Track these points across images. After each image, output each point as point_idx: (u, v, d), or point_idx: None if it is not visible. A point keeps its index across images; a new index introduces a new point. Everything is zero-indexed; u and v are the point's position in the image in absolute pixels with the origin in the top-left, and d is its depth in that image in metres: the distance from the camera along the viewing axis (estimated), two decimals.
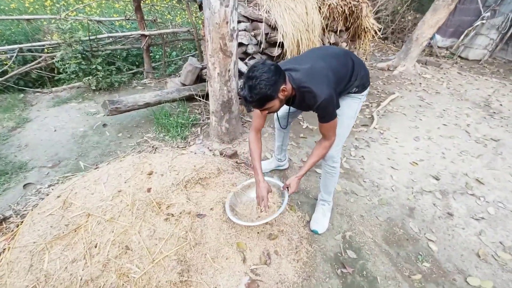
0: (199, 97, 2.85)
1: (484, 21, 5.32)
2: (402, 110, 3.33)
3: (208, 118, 2.73)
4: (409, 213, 1.88)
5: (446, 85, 4.22)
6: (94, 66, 2.99)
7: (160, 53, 4.08)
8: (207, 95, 2.85)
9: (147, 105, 2.61)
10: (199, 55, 3.72)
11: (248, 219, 1.46)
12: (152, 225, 1.29)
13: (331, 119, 1.26)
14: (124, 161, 1.59)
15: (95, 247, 1.17)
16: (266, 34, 2.67)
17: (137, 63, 3.88)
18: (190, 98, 2.93)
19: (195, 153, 2.10)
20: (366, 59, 4.29)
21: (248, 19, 2.68)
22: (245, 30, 2.61)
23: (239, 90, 1.42)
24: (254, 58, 2.76)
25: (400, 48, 4.84)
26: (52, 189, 1.79)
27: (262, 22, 2.60)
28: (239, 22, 2.73)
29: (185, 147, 2.35)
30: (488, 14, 5.32)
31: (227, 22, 1.77)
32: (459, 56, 5.74)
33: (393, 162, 2.39)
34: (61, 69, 3.08)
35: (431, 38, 5.92)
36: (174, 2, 4.73)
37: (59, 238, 1.20)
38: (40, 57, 3.08)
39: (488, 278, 1.48)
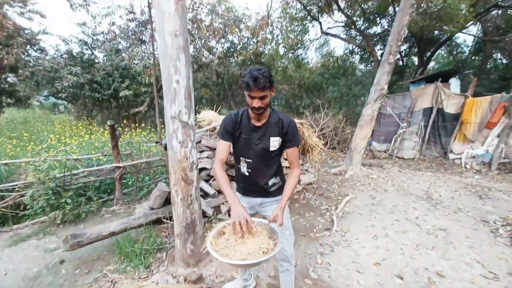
0: (167, 219, 2.95)
1: (404, 130, 6.74)
2: (358, 210, 3.65)
3: (174, 241, 2.74)
4: None
5: (391, 183, 4.84)
6: (63, 200, 3.10)
7: (133, 179, 4.37)
8: None
9: (112, 234, 2.62)
10: (168, 179, 4.05)
11: (231, 253, 1.24)
12: None
13: (297, 143, 1.53)
14: None
15: None
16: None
17: (109, 191, 4.05)
18: (157, 221, 3.00)
19: (157, 284, 2.02)
20: (319, 168, 4.95)
21: (211, 148, 3.22)
22: (207, 157, 3.08)
23: (241, 77, 1.52)
24: None
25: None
26: None
27: None
28: (202, 151, 3.25)
29: (147, 277, 2.25)
30: (405, 124, 6.82)
31: (187, 158, 2.17)
32: (397, 157, 6.84)
33: (358, 265, 2.44)
34: (28, 206, 3.12)
35: (370, 145, 7.15)
36: (151, 136, 5.50)
37: None
38: (10, 195, 3.16)
39: None
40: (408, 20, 4.54)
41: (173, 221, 2.92)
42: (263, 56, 10.66)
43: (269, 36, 10.98)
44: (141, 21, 8.11)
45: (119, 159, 3.72)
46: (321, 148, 4.46)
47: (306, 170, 4.60)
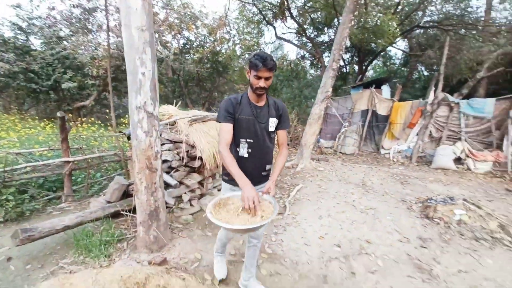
0: (126, 211, 2.95)
1: (346, 129, 7.65)
2: (307, 197, 4.13)
3: (135, 231, 2.78)
4: (323, 280, 2.22)
5: (335, 174, 5.52)
6: (4, 197, 2.84)
7: (83, 176, 4.14)
8: (134, 209, 3.00)
9: (67, 228, 2.54)
10: (125, 174, 3.98)
11: (231, 221, 1.34)
12: None
13: (288, 126, 1.76)
14: (42, 286, 1.53)
15: None
16: (187, 151, 3.28)
17: (54, 189, 3.78)
18: (115, 215, 2.98)
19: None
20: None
21: (171, 141, 3.31)
22: (169, 149, 3.17)
23: (250, 58, 1.53)
24: (178, 170, 3.23)
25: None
26: None
27: (183, 142, 3.25)
28: (163, 144, 3.32)
29: (109, 265, 2.28)
30: (347, 124, 7.75)
31: (151, 147, 2.28)
32: (340, 152, 7.73)
33: (305, 240, 2.85)
34: None
35: (318, 142, 7.91)
36: (101, 131, 5.20)
37: None
38: None
39: None
40: (348, 33, 5.26)
41: (132, 213, 2.96)
42: (220, 55, 10.80)
43: (226, 36, 11.17)
44: (87, 8, 7.51)
45: (68, 153, 3.52)
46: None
47: None
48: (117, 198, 3.13)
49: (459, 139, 6.41)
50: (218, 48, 10.80)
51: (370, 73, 18.05)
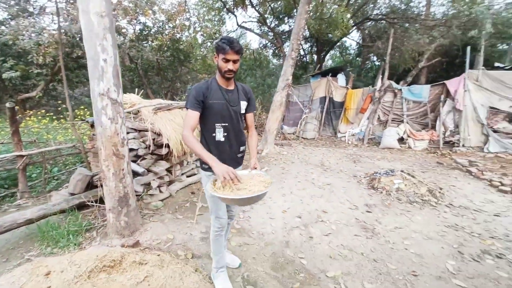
0: (92, 202, 2.93)
1: (306, 115, 8.15)
2: (272, 178, 4.44)
3: (104, 221, 2.80)
4: (285, 245, 2.53)
5: (297, 157, 5.95)
6: None
7: (38, 171, 3.91)
8: (101, 199, 3.00)
9: (29, 221, 2.48)
10: (87, 167, 3.86)
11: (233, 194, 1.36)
12: None
13: (255, 109, 1.92)
14: (16, 270, 1.56)
15: None
16: (154, 139, 3.32)
17: (6, 186, 3.53)
18: (81, 207, 2.95)
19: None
20: None
21: (136, 129, 3.31)
22: (134, 138, 3.18)
23: (217, 42, 1.55)
24: (145, 158, 3.27)
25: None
26: None
27: (148, 131, 3.28)
28: (128, 133, 3.31)
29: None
30: (307, 110, 8.25)
31: (117, 134, 2.31)
32: (302, 137, 8.24)
33: (270, 215, 3.14)
34: None
35: (281, 128, 8.30)
36: (54, 123, 4.85)
37: None
38: None
39: (338, 269, 2.19)
40: (305, 24, 5.58)
41: (99, 203, 2.95)
42: (181, 42, 10.48)
43: (187, 23, 10.83)
44: None
45: (21, 147, 3.31)
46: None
47: None
48: (81, 190, 3.07)
49: (402, 121, 7.29)
50: (178, 36, 10.45)
51: (329, 62, 19.03)
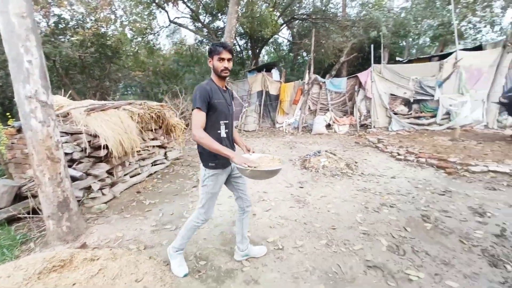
0: (24, 214, 2.73)
1: (246, 109, 8.61)
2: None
3: (41, 232, 2.66)
4: (232, 224, 2.86)
5: (240, 149, 6.33)
6: None
7: None
8: (34, 210, 2.81)
9: None
10: (8, 178, 3.46)
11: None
12: None
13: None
14: None
15: None
16: (89, 141, 3.21)
17: None
18: (11, 220, 2.72)
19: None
20: (184, 146, 5.66)
21: (67, 133, 3.15)
22: (66, 142, 3.04)
23: (210, 47, 1.73)
24: (82, 162, 3.15)
25: None
26: None
27: (82, 133, 3.16)
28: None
29: None
30: (247, 104, 8.71)
31: (51, 137, 2.26)
32: (244, 130, 8.69)
33: (218, 202, 3.42)
34: None
35: None
36: None
37: None
38: None
39: (276, 235, 2.62)
40: (236, 22, 5.92)
41: (33, 214, 2.77)
42: (107, 38, 9.67)
43: (112, 16, 10.03)
44: None
45: None
46: (184, 128, 5.16)
47: (172, 147, 5.17)
48: (8, 202, 2.82)
49: (328, 110, 8.38)
50: (103, 30, 9.61)
51: (265, 58, 19.96)
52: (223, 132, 1.82)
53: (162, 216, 3.05)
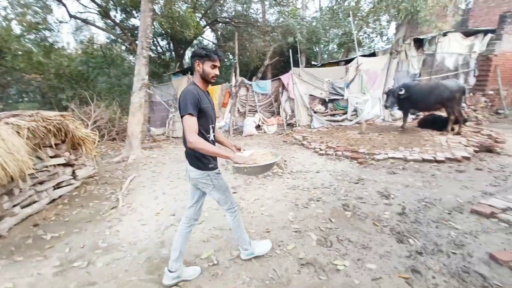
0: None
1: (173, 114, 8.09)
2: (141, 184, 4.22)
3: None
4: (161, 245, 2.56)
5: (168, 157, 5.88)
6: None
7: None
8: None
9: None
10: None
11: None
12: None
13: None
14: None
15: None
16: None
17: None
18: None
19: None
20: (99, 160, 4.87)
21: None
22: None
23: (200, 51, 1.74)
24: None
25: None
26: None
27: None
28: None
29: None
30: (173, 109, 8.18)
31: None
32: (172, 137, 8.14)
33: (142, 221, 3.04)
34: None
35: (149, 131, 7.85)
36: None
37: None
38: None
39: (210, 249, 2.46)
40: (151, 21, 5.44)
41: None
42: None
43: None
44: None
45: None
46: (96, 140, 4.43)
47: (82, 164, 4.37)
48: None
49: (256, 111, 8.63)
50: None
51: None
52: (211, 136, 1.89)
53: (69, 251, 2.51)
